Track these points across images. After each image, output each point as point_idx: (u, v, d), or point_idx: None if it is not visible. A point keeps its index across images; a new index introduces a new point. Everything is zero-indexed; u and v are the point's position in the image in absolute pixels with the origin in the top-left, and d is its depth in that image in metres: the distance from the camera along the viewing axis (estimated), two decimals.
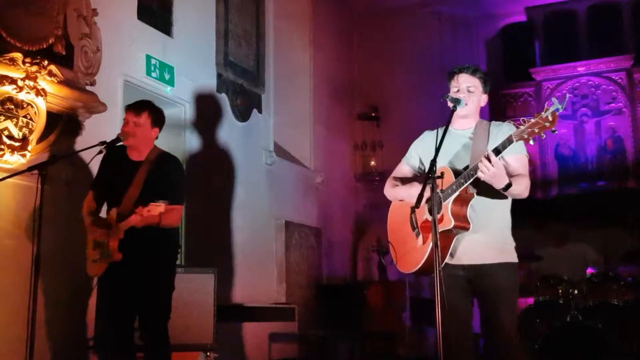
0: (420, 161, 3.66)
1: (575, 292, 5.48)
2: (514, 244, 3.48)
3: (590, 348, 5.03)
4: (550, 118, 2.92)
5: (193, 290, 5.10)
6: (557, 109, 2.91)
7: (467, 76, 3.49)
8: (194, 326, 5.04)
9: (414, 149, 3.71)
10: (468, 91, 3.48)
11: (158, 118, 4.29)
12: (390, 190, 3.68)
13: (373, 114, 9.84)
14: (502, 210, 3.45)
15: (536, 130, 2.96)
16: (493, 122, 3.55)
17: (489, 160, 3.07)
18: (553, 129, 2.94)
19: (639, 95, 9.29)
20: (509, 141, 3.07)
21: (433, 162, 3.12)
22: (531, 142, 3.04)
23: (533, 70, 9.89)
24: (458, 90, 3.48)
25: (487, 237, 3.38)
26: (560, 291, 5.52)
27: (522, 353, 4.87)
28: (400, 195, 3.58)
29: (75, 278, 4.88)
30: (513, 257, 3.46)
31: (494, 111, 9.44)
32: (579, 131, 9.45)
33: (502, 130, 3.42)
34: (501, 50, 10.35)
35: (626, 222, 6.01)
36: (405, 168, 3.72)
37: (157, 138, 4.34)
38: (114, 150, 4.22)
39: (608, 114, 9.38)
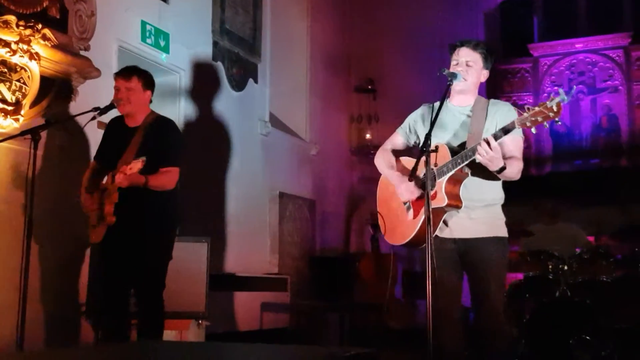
0: (416, 134, 3.66)
1: (565, 268, 5.50)
2: (504, 219, 3.51)
3: (578, 323, 5.08)
4: (555, 108, 2.93)
5: (186, 258, 5.10)
6: (563, 100, 2.91)
7: (468, 50, 3.48)
8: (186, 294, 5.05)
9: (410, 121, 3.71)
10: (467, 65, 3.46)
11: (148, 80, 4.28)
12: (384, 167, 3.69)
13: (369, 87, 9.80)
14: (493, 186, 3.47)
15: (540, 119, 2.96)
16: (492, 100, 3.54)
17: (488, 145, 3.09)
18: (557, 119, 2.94)
19: (635, 74, 9.27)
20: (510, 127, 3.07)
21: (428, 136, 3.12)
22: (533, 131, 3.05)
23: (531, 46, 9.85)
24: (457, 64, 3.47)
25: (478, 213, 3.41)
26: (550, 267, 5.54)
27: (510, 326, 4.94)
28: (392, 182, 3.58)
29: (67, 243, 4.89)
30: (503, 232, 3.49)
31: (491, 86, 9.41)
32: (574, 108, 9.44)
33: (500, 110, 3.43)
34: (500, 25, 10.28)
35: (618, 200, 6.04)
36: (399, 139, 3.73)
37: (151, 101, 4.34)
38: (114, 121, 4.28)
39: (604, 91, 9.36)
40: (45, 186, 4.19)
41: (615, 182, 8.25)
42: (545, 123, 2.98)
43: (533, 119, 2.97)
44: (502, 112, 3.41)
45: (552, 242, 5.88)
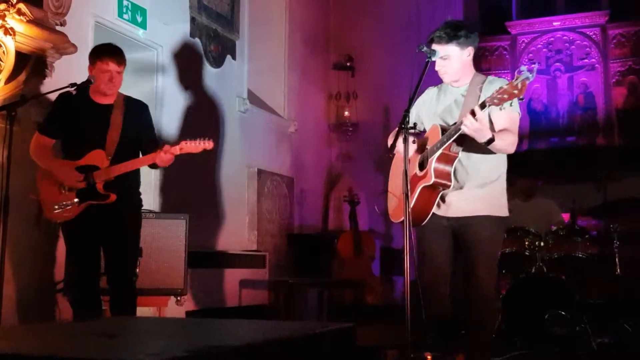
0: (418, 117, 3.67)
1: (541, 244, 5.57)
2: (502, 198, 3.50)
3: (554, 298, 5.16)
4: (519, 86, 2.93)
5: (164, 235, 5.10)
6: (527, 78, 2.92)
7: (440, 46, 3.47)
8: (165, 271, 5.06)
9: (416, 110, 3.70)
10: (442, 59, 3.48)
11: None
12: (389, 137, 3.70)
13: (348, 64, 9.77)
14: (489, 164, 3.46)
15: (506, 97, 2.97)
16: (489, 77, 3.53)
17: (474, 115, 3.08)
18: (521, 97, 2.96)
19: (612, 52, 9.33)
20: (482, 104, 3.08)
21: (406, 114, 3.15)
22: (504, 107, 3.04)
23: (509, 24, 9.85)
24: (436, 62, 3.50)
25: (473, 191, 3.42)
26: (526, 243, 5.60)
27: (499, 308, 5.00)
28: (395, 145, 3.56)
29: (44, 220, 4.85)
30: (500, 211, 3.48)
31: None
32: (551, 86, 9.49)
33: (493, 86, 3.35)
34: (478, 2, 10.28)
35: (593, 178, 6.11)
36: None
37: None
38: (67, 97, 4.18)
39: (581, 69, 9.41)
40: (20, 162, 4.14)
41: (591, 159, 8.34)
42: (512, 101, 2.98)
43: (500, 96, 2.98)
44: (494, 88, 3.41)
45: (528, 219, 5.94)
